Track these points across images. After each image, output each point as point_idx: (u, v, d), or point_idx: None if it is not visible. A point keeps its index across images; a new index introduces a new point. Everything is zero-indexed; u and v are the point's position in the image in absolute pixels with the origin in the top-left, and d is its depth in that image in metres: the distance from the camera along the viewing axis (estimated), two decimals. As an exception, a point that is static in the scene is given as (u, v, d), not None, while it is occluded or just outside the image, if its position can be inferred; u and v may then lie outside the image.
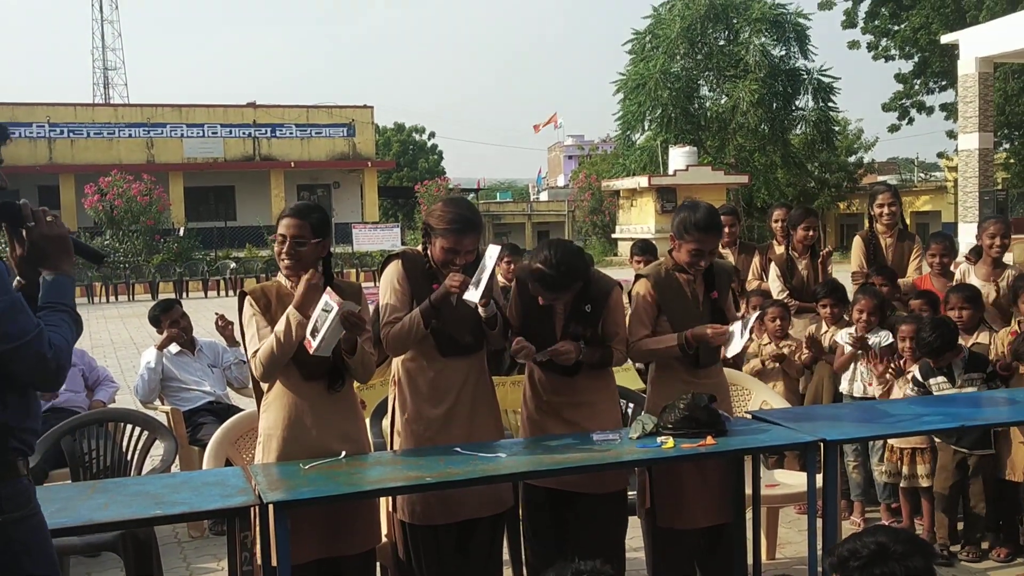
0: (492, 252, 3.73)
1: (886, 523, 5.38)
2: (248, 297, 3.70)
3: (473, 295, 3.64)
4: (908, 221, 40.15)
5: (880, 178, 45.51)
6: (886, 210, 6.47)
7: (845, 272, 6.71)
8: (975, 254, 6.21)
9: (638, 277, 4.24)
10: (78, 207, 32.42)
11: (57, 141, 35.94)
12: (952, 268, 6.42)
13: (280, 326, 3.53)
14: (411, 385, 3.87)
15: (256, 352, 3.59)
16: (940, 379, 5.01)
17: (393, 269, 3.88)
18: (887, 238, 6.49)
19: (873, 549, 1.86)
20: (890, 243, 6.48)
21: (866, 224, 6.76)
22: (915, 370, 5.10)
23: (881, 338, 5.40)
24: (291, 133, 38.76)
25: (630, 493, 4.24)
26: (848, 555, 1.89)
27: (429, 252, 3.88)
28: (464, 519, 3.84)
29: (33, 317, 2.33)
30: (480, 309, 3.79)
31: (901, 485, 5.21)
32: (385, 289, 3.86)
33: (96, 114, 37.80)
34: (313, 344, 3.43)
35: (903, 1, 37.82)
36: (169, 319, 6.23)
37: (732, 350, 4.03)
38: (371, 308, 3.92)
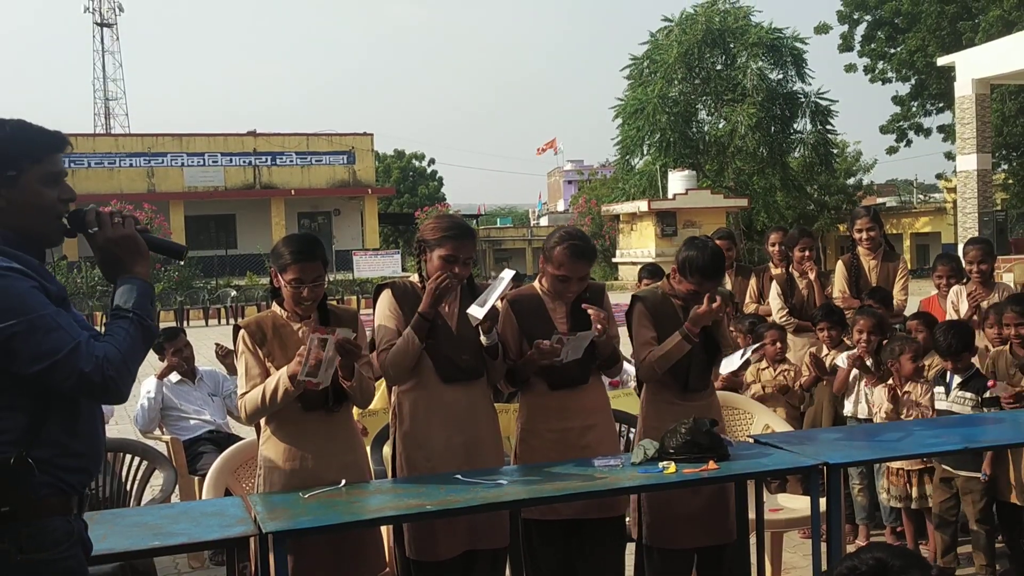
0: (505, 275, 3.75)
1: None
2: (242, 332, 3.66)
3: (478, 312, 3.63)
4: (908, 242, 40.32)
5: (879, 200, 45.70)
6: (865, 235, 6.51)
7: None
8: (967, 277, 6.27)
9: (634, 299, 4.25)
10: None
11: (58, 171, 36.03)
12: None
13: (270, 385, 3.50)
14: (412, 413, 3.84)
15: (244, 395, 3.58)
16: (939, 389, 5.03)
17: (385, 299, 3.87)
18: (871, 260, 6.52)
19: (872, 565, 1.87)
20: (874, 265, 6.50)
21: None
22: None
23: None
24: (291, 161, 38.88)
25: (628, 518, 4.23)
26: (847, 572, 1.90)
27: (424, 271, 3.85)
28: (467, 550, 3.80)
29: (71, 333, 2.25)
30: (482, 337, 3.78)
31: (912, 507, 5.18)
32: (379, 318, 3.85)
33: (97, 144, 37.95)
34: (314, 380, 3.41)
35: (899, 24, 38.07)
36: (173, 347, 6.22)
37: (725, 368, 4.03)
38: (368, 333, 3.91)
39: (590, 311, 3.86)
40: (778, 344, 5.90)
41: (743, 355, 4.01)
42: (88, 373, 2.24)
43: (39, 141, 2.39)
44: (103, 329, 2.38)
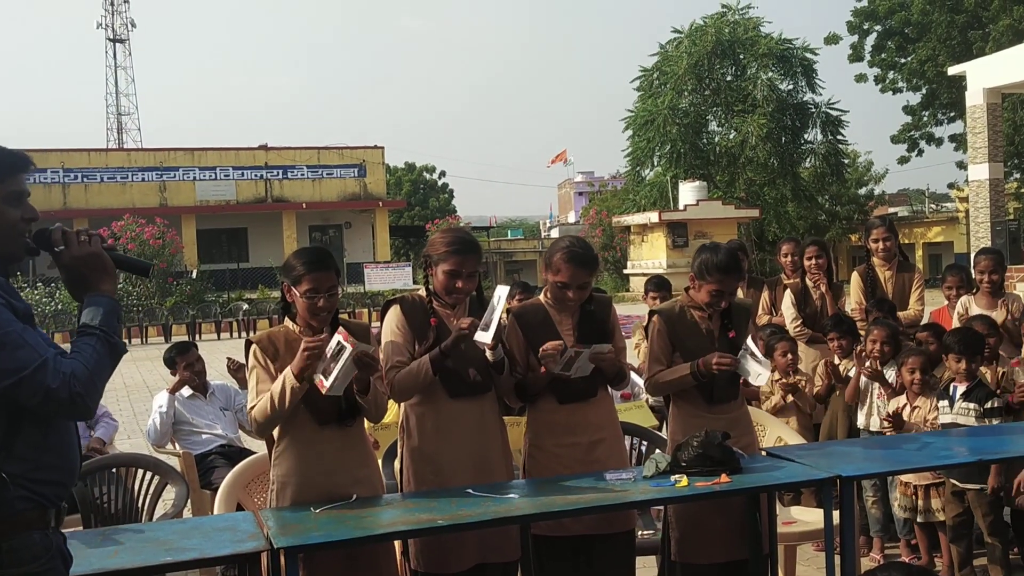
0: (501, 292, 3.74)
1: (905, 559, 5.32)
2: (254, 346, 3.65)
3: (485, 336, 3.63)
4: (920, 252, 40.15)
5: (891, 210, 45.53)
6: (881, 245, 6.49)
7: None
8: (976, 287, 6.24)
9: (652, 313, 4.24)
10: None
11: (71, 186, 36.29)
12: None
13: (276, 388, 3.48)
14: (419, 428, 3.84)
15: (252, 408, 3.57)
16: (943, 403, 4.99)
17: (393, 314, 3.87)
18: (886, 271, 6.49)
19: None
20: (889, 276, 6.48)
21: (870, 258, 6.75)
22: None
23: (892, 373, 5.36)
24: (303, 174, 39.02)
25: (639, 532, 4.20)
26: None
27: (431, 285, 3.87)
28: (477, 564, 3.79)
29: (38, 350, 2.28)
30: (488, 353, 3.78)
31: (917, 520, 5.16)
32: (387, 334, 3.85)
33: (109, 159, 38.18)
34: (326, 384, 3.42)
35: (909, 34, 38.04)
36: (184, 361, 6.23)
37: (758, 379, 3.99)
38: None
39: (602, 361, 3.84)
40: (789, 356, 5.88)
41: (754, 356, 3.97)
42: (55, 389, 2.26)
43: (2, 162, 2.42)
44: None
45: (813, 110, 36.71)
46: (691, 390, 4.12)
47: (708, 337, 4.12)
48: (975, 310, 6.00)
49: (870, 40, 39.66)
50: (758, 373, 3.98)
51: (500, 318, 3.69)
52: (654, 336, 4.16)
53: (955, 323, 6.01)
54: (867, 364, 5.39)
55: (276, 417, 3.54)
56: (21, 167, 2.45)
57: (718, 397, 4.11)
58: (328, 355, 3.43)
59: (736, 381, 4.14)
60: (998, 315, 5.89)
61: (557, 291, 3.96)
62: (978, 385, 4.93)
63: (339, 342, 3.40)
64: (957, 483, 4.89)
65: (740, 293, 6.95)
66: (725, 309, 4.17)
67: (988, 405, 4.85)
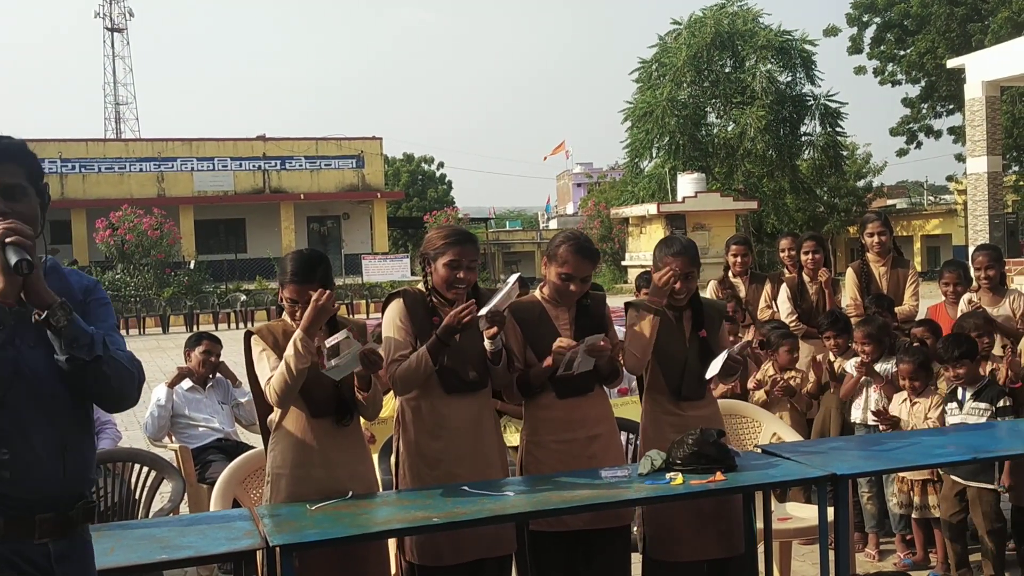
0: (511, 279, 3.79)
1: (900, 555, 5.33)
2: (254, 336, 3.70)
3: (481, 311, 3.65)
4: (918, 244, 40.16)
5: (889, 202, 45.52)
6: (876, 240, 6.49)
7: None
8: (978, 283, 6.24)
9: (627, 305, 4.24)
10: (89, 242, 32.69)
11: (69, 176, 36.21)
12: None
13: (289, 350, 3.48)
14: (415, 424, 3.85)
15: (269, 380, 3.55)
16: (952, 405, 4.98)
17: (395, 307, 3.88)
18: (880, 266, 6.50)
19: None
20: (884, 271, 6.48)
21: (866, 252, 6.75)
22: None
23: (890, 366, 5.38)
24: (300, 165, 38.97)
25: (635, 528, 4.22)
26: None
27: (430, 282, 3.87)
28: (472, 559, 3.80)
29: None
30: (487, 343, 3.78)
31: (913, 516, 5.17)
32: (388, 327, 3.85)
33: (107, 149, 38.11)
34: (327, 364, 3.42)
35: (908, 26, 38.01)
36: (207, 346, 6.22)
37: (709, 372, 4.04)
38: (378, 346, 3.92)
39: (599, 353, 3.85)
40: (795, 355, 5.91)
41: (724, 356, 4.00)
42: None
43: None
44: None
45: (812, 102, 36.62)
46: (659, 386, 4.15)
47: (679, 335, 4.16)
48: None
49: (869, 32, 39.66)
50: (711, 371, 4.02)
51: (504, 303, 3.70)
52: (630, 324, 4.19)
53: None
54: (859, 361, 5.40)
55: (293, 382, 3.49)
56: None
57: (685, 394, 4.14)
58: (338, 337, 3.43)
59: (704, 377, 4.14)
60: (1001, 311, 5.89)
61: (560, 283, 3.99)
62: (989, 384, 4.92)
63: (349, 338, 3.42)
64: (960, 480, 4.89)
65: (742, 288, 6.95)
66: (697, 309, 4.20)
67: (1000, 404, 4.85)
